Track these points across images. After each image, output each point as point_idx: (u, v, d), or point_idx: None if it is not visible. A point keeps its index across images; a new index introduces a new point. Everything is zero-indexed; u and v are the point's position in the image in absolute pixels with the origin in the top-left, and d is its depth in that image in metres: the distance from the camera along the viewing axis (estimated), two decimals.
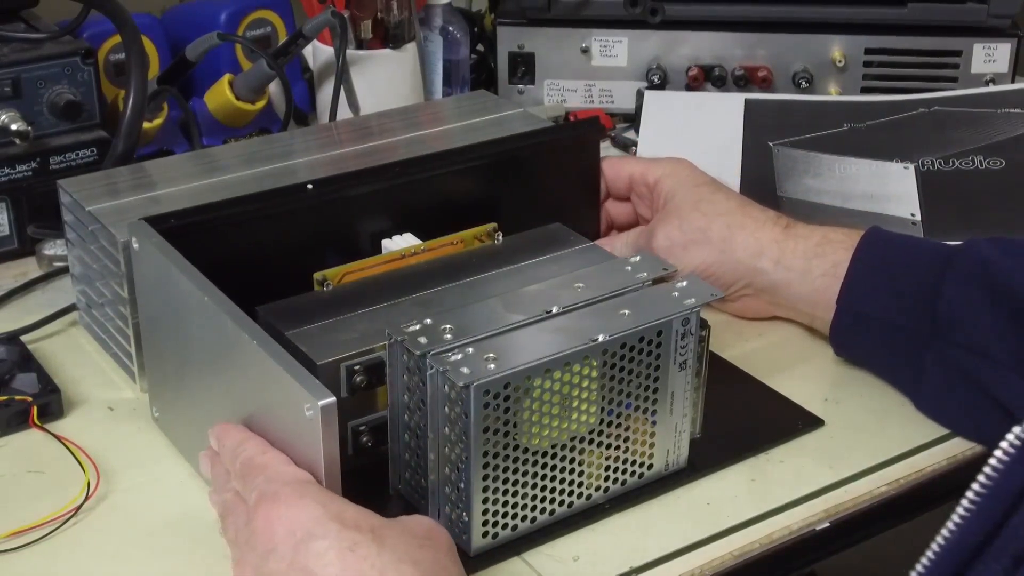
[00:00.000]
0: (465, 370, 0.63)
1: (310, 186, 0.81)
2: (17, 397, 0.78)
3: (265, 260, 0.79)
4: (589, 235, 0.87)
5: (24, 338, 0.86)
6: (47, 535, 0.70)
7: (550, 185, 0.90)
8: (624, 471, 0.72)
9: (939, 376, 0.78)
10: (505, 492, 0.67)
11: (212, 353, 0.70)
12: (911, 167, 1.04)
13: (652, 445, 0.72)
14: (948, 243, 0.81)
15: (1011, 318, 0.74)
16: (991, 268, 0.76)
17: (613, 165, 0.93)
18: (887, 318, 0.80)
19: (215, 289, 0.68)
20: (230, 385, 0.69)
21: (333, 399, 0.61)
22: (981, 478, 0.57)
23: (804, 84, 1.20)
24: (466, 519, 0.66)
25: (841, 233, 0.84)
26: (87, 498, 0.72)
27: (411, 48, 1.13)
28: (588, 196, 0.93)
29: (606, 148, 1.19)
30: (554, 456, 0.68)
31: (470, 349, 0.65)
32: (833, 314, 0.82)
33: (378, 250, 0.82)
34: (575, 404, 0.67)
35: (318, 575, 0.58)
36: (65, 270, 0.93)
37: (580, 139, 0.92)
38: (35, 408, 0.78)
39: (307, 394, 0.61)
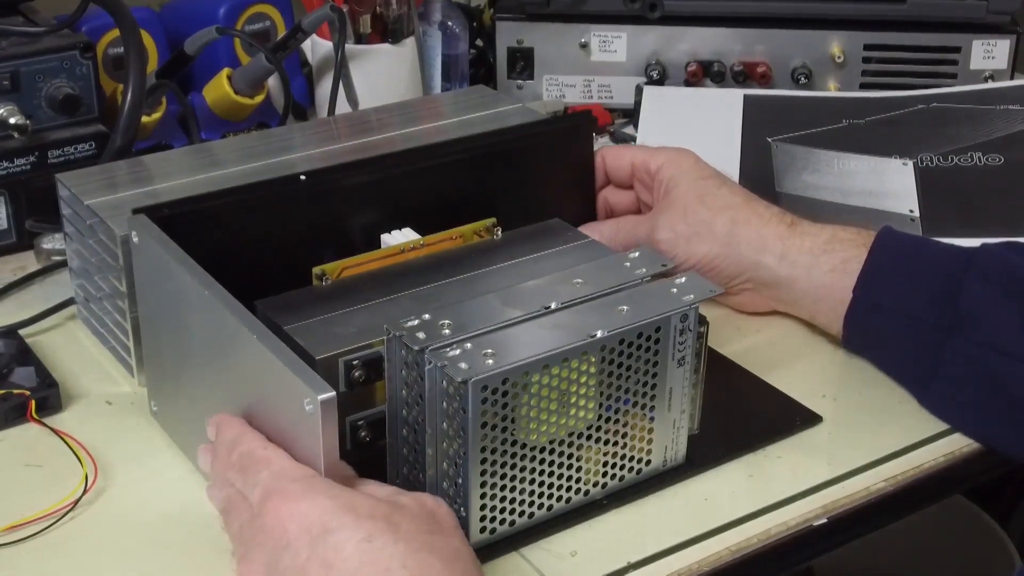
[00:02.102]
0: (463, 365, 0.64)
1: (303, 177, 0.81)
2: (15, 391, 0.78)
3: (264, 255, 0.79)
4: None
5: (22, 332, 0.86)
6: (44, 529, 0.70)
7: (544, 178, 0.89)
8: (622, 467, 0.72)
9: (955, 372, 0.78)
10: (503, 488, 0.67)
11: (211, 347, 0.70)
12: (910, 163, 1.04)
13: (650, 441, 0.72)
14: (962, 246, 0.81)
15: None
16: (1015, 270, 0.77)
17: (615, 153, 0.93)
18: (905, 309, 0.80)
19: (215, 282, 0.68)
20: (229, 379, 0.69)
21: (333, 394, 0.61)
22: None
23: (803, 80, 1.19)
24: (464, 514, 0.66)
25: (851, 232, 0.84)
26: (84, 492, 0.72)
27: (410, 43, 1.13)
28: (582, 189, 0.93)
29: (605, 143, 1.19)
30: (552, 452, 0.68)
31: (468, 345, 0.65)
32: (848, 303, 0.82)
33: (377, 245, 0.82)
34: (573, 400, 0.67)
35: (337, 568, 0.58)
36: (63, 264, 0.93)
37: (572, 131, 0.91)
38: (33, 402, 0.78)
39: (307, 388, 0.61)
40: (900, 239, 0.83)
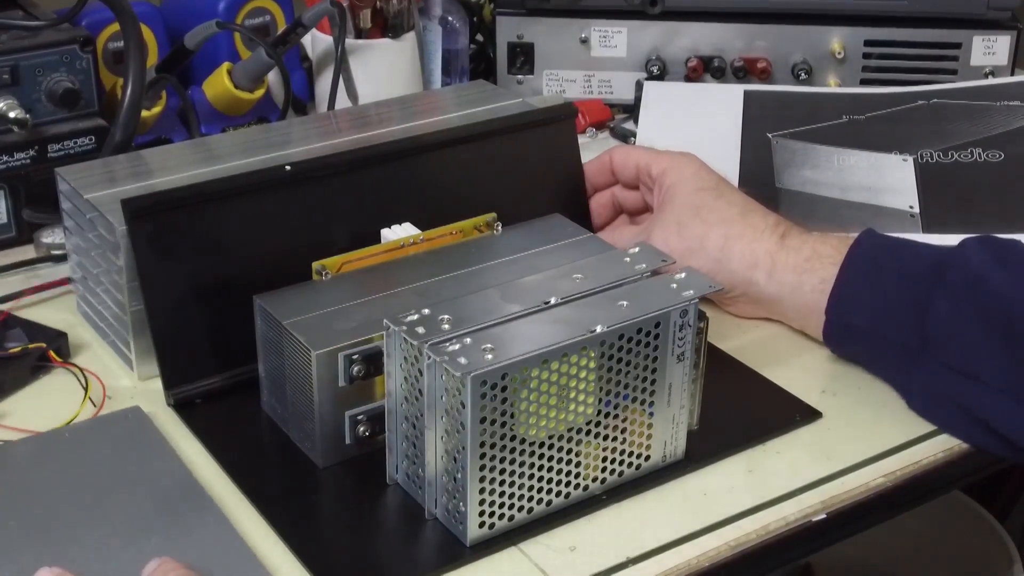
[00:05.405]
0: (463, 360, 0.64)
1: (288, 167, 0.80)
2: (31, 346, 0.81)
3: (264, 250, 0.79)
4: (575, 219, 0.87)
5: (16, 312, 0.87)
6: None
7: (534, 170, 0.90)
8: (621, 462, 0.72)
9: (928, 390, 0.78)
10: (502, 483, 0.67)
11: None
12: (910, 159, 1.04)
13: (649, 436, 0.72)
14: (941, 246, 0.80)
15: (1004, 338, 0.73)
16: (984, 284, 0.75)
17: (622, 153, 0.93)
18: (876, 330, 0.79)
19: None
20: None
21: None
22: None
23: (803, 76, 1.19)
24: (463, 509, 0.67)
25: (830, 246, 0.83)
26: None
27: (410, 38, 1.13)
28: (571, 180, 0.93)
29: (605, 139, 1.19)
30: (551, 447, 0.68)
31: (468, 339, 0.65)
32: (823, 324, 0.82)
33: (377, 240, 0.82)
34: (572, 395, 0.67)
35: None
36: (63, 258, 0.93)
37: (552, 121, 0.91)
38: (51, 352, 0.82)
39: None
40: (875, 249, 0.81)
